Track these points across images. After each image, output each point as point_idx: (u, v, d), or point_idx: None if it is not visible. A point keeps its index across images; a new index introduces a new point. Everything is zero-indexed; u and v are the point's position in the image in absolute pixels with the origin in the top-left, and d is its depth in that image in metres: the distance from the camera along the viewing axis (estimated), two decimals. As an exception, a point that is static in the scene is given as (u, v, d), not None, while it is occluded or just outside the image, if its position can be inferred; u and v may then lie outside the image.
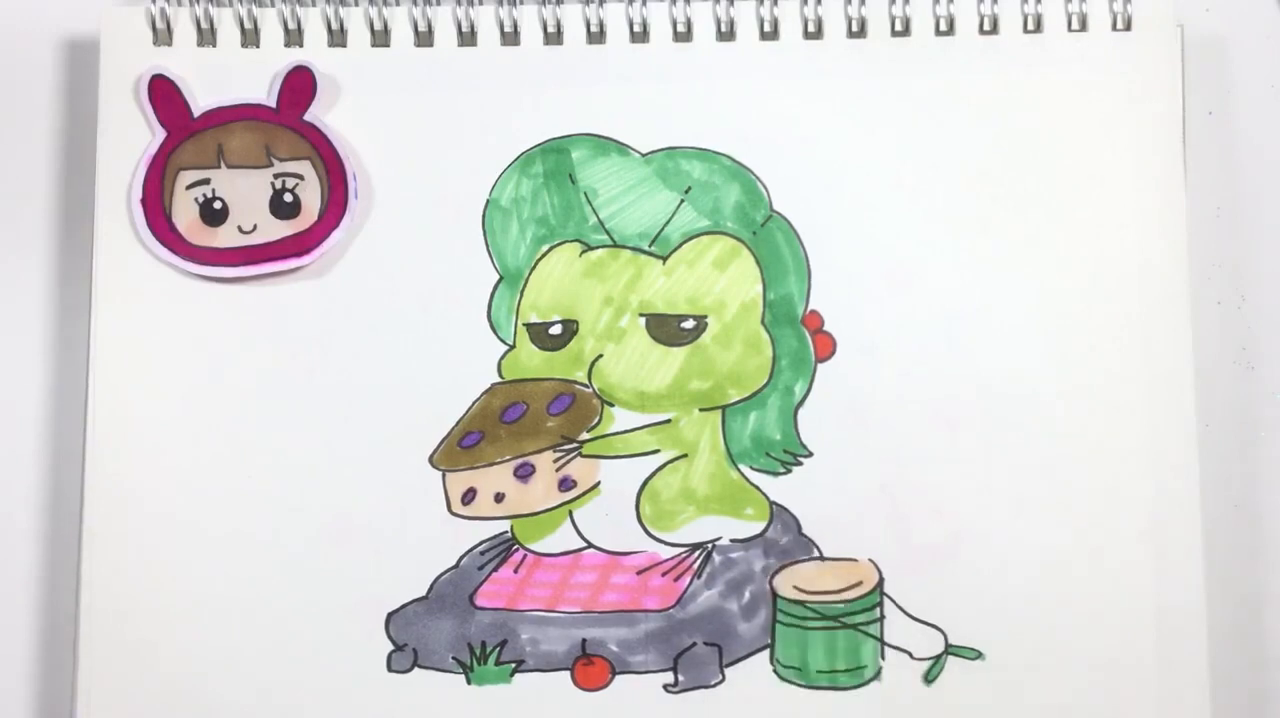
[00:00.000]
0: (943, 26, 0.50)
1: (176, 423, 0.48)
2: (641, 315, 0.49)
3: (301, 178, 0.49)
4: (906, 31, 0.49)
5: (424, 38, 0.50)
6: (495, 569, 0.48)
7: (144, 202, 0.48)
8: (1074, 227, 0.49)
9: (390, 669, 0.48)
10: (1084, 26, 0.49)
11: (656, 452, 0.49)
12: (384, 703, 0.48)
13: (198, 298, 0.49)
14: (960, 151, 0.49)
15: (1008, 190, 0.49)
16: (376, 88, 0.49)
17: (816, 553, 0.48)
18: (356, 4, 0.50)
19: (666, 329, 0.49)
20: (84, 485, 0.48)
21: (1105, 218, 0.49)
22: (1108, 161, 0.49)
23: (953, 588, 0.48)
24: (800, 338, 0.49)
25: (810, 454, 0.48)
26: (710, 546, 0.48)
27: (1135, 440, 0.48)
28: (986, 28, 0.49)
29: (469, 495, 0.48)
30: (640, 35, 0.49)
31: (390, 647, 0.48)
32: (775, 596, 0.48)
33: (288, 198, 0.49)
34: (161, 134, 0.49)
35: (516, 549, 0.48)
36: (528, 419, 0.48)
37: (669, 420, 0.49)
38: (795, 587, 0.48)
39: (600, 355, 0.49)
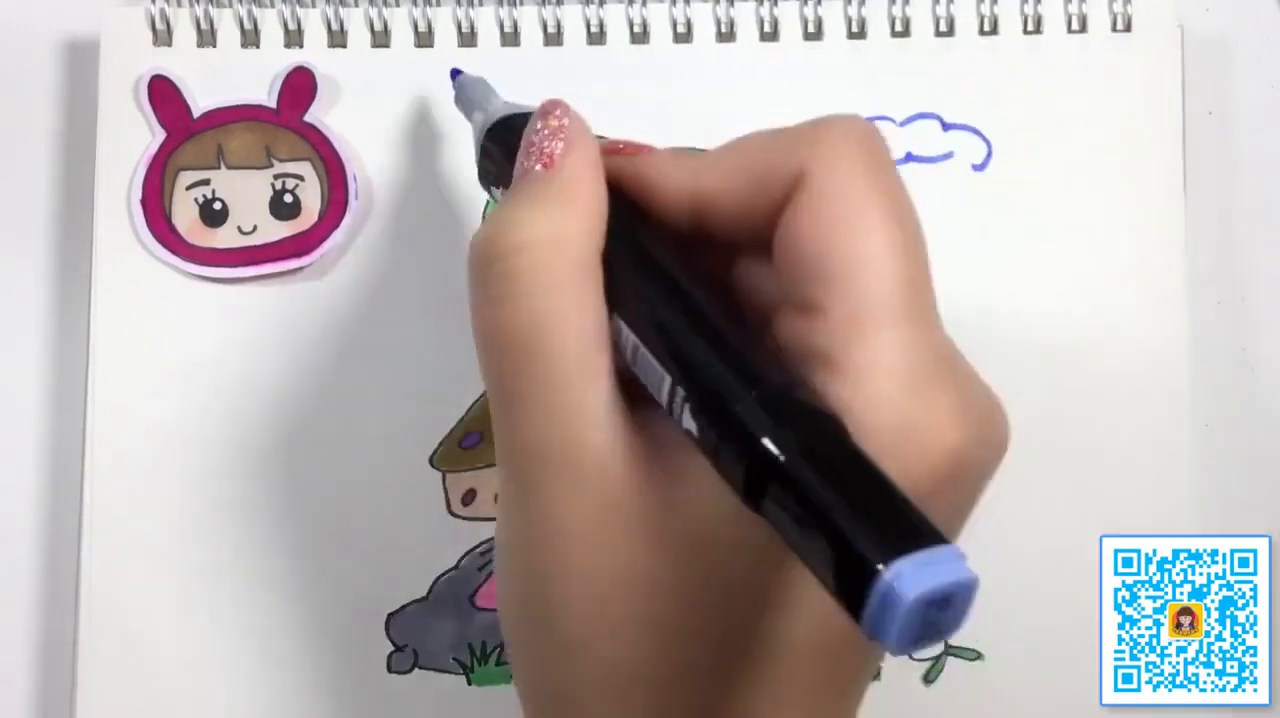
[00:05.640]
0: (943, 27, 0.49)
1: (176, 423, 0.48)
2: (642, 316, 0.49)
3: (301, 179, 0.49)
4: (906, 32, 0.49)
5: (424, 38, 0.49)
6: (495, 570, 0.48)
7: (144, 202, 0.48)
8: (1073, 227, 0.49)
9: (390, 670, 0.48)
10: (1084, 27, 0.49)
11: (657, 452, 0.48)
12: (384, 704, 0.48)
13: (198, 298, 0.49)
14: (959, 152, 0.49)
15: (1006, 191, 0.49)
16: (376, 88, 0.49)
17: (816, 553, 0.48)
18: (356, 4, 0.50)
19: (667, 330, 0.49)
20: (83, 485, 0.48)
21: (1104, 218, 0.49)
22: (1107, 162, 0.49)
23: (953, 588, 0.48)
24: (800, 338, 0.49)
25: (810, 455, 0.48)
26: (710, 546, 0.48)
27: (1134, 441, 0.48)
28: (986, 28, 0.49)
29: (469, 496, 0.48)
30: (640, 35, 0.49)
31: (390, 648, 0.48)
32: (775, 596, 0.48)
33: (288, 198, 0.49)
34: (161, 135, 0.49)
35: (517, 550, 0.48)
36: (528, 420, 0.48)
37: (669, 421, 0.49)
38: (795, 587, 0.48)
39: (600, 356, 0.49)
